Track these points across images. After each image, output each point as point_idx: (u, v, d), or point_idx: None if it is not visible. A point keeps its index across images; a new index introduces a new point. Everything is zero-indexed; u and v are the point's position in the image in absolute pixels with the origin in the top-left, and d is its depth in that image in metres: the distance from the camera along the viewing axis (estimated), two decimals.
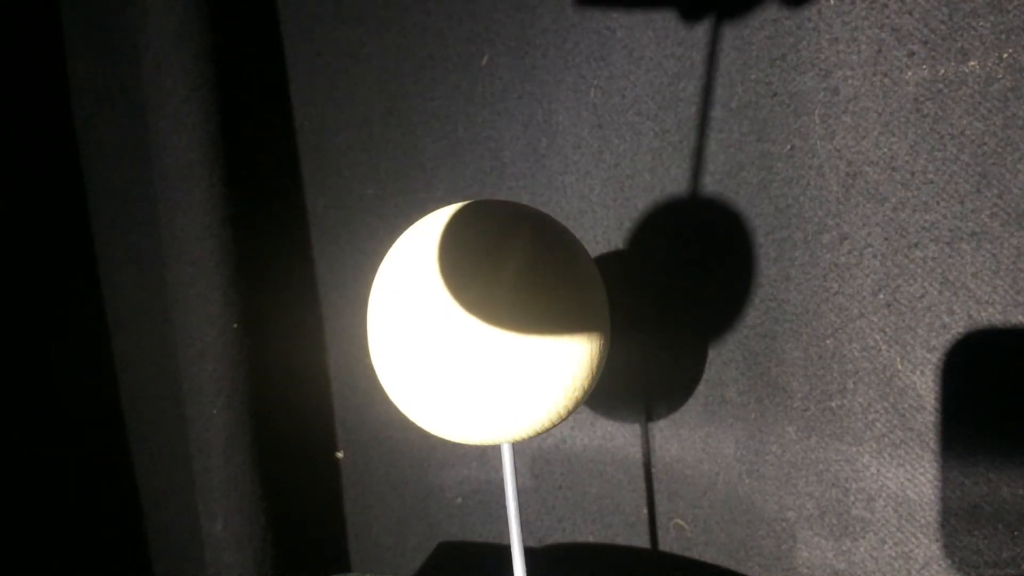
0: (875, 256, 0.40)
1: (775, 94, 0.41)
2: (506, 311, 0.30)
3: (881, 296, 0.40)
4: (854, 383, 0.41)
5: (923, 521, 0.40)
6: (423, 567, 0.56)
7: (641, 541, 0.49)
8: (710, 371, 0.45)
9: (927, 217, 0.38)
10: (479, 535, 0.55)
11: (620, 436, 0.49)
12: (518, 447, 0.52)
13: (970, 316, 0.38)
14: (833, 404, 0.42)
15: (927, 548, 0.40)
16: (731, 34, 0.41)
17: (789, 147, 0.41)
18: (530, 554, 0.48)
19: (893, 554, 0.41)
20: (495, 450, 0.53)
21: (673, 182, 0.44)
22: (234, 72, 0.51)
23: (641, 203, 0.45)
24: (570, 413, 0.33)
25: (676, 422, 0.47)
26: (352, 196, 0.54)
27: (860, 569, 0.42)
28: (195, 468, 0.54)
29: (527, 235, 0.32)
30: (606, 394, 0.48)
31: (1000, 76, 0.36)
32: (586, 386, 0.33)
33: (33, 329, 0.58)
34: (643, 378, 0.47)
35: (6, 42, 0.55)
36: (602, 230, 0.47)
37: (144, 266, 0.58)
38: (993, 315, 0.37)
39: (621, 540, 0.50)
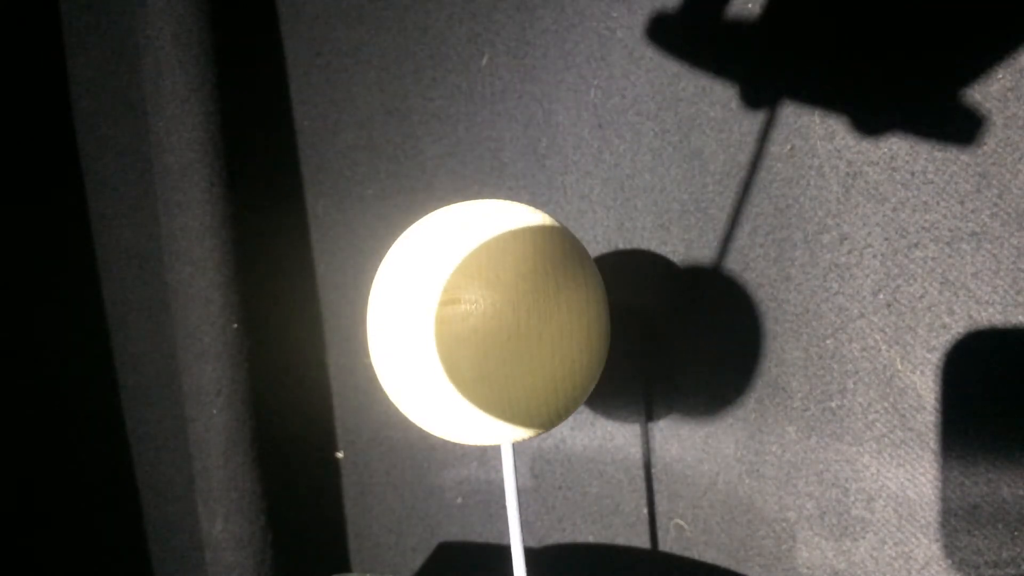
0: (875, 256, 0.40)
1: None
2: (506, 311, 0.30)
3: (881, 296, 0.40)
4: (854, 383, 0.41)
5: (923, 521, 0.40)
6: (423, 567, 0.56)
7: (641, 541, 0.49)
8: (710, 371, 0.45)
9: (927, 217, 0.38)
10: (479, 535, 0.55)
11: (620, 436, 0.49)
12: (518, 447, 0.52)
13: (970, 316, 0.38)
14: (833, 404, 0.42)
15: (927, 548, 0.40)
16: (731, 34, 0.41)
17: (789, 147, 0.41)
18: (530, 554, 0.48)
19: (893, 554, 0.41)
20: (495, 450, 0.53)
21: (673, 182, 0.44)
22: (234, 72, 0.51)
23: (641, 203, 0.45)
24: (570, 413, 0.33)
25: (676, 422, 0.47)
26: (352, 196, 0.54)
27: (860, 569, 0.42)
28: (195, 468, 0.54)
29: (527, 236, 0.32)
30: (606, 394, 0.48)
31: (1000, 76, 0.36)
32: (586, 386, 0.33)
33: (33, 329, 0.58)
34: (643, 378, 0.47)
35: (6, 42, 0.55)
36: (602, 230, 0.47)
37: (144, 266, 0.58)
38: (993, 315, 0.37)
39: (621, 540, 0.50)
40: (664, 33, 0.43)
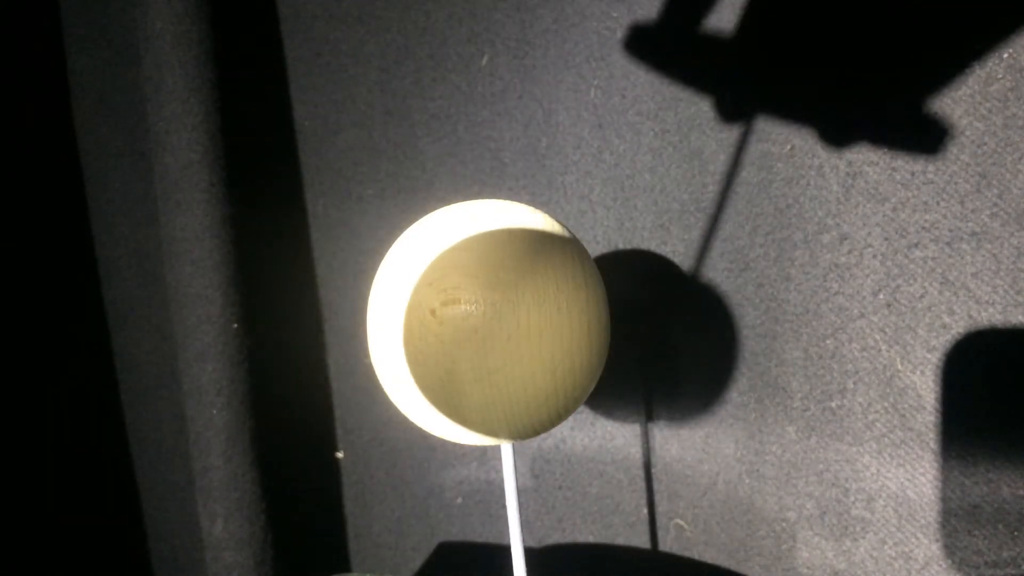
0: (875, 256, 0.40)
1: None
2: (506, 311, 0.30)
3: (881, 296, 0.40)
4: (854, 383, 0.41)
5: (923, 521, 0.40)
6: (423, 567, 0.56)
7: (641, 541, 0.49)
8: (710, 371, 0.45)
9: (927, 217, 0.38)
10: (479, 535, 0.55)
11: (620, 436, 0.49)
12: (518, 447, 0.52)
13: (970, 316, 0.38)
14: (833, 404, 0.42)
15: (927, 548, 0.40)
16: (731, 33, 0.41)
17: (789, 147, 0.41)
18: (530, 554, 0.48)
19: (893, 554, 0.41)
20: (495, 450, 0.53)
21: (673, 182, 0.44)
22: (234, 72, 0.51)
23: (641, 203, 0.45)
24: (570, 413, 0.33)
25: (676, 422, 0.47)
26: (352, 196, 0.54)
27: (860, 569, 0.42)
28: (195, 468, 0.54)
29: (527, 236, 0.32)
30: (606, 394, 0.48)
31: (1000, 76, 0.36)
32: (586, 386, 0.33)
33: (33, 329, 0.58)
34: (643, 378, 0.47)
35: (6, 42, 0.55)
36: (602, 230, 0.47)
37: (144, 266, 0.58)
38: (993, 315, 0.37)
39: (621, 540, 0.50)
40: (663, 34, 0.43)
